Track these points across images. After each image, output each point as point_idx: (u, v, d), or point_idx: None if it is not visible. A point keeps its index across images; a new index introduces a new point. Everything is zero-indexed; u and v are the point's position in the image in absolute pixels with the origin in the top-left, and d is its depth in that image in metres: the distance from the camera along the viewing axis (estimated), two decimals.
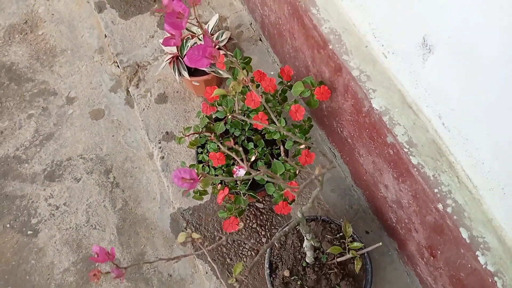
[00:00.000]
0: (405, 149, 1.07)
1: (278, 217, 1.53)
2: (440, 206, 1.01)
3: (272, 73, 1.76)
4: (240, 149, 0.75)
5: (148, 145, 1.67)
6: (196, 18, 0.64)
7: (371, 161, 1.29)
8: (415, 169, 1.05)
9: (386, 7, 1.04)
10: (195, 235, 0.74)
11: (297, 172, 1.29)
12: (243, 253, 1.47)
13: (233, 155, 0.78)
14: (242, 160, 1.27)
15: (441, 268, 1.14)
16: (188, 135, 1.32)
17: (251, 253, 1.47)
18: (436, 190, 1.02)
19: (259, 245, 1.43)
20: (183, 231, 1.51)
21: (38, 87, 1.83)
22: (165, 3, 0.65)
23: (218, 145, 1.26)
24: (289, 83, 1.39)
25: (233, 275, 0.76)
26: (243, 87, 1.04)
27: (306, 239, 1.10)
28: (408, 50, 1.03)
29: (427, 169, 1.04)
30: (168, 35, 0.68)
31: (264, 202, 1.55)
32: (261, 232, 1.50)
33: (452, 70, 0.93)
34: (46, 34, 1.96)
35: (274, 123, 1.40)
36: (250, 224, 1.51)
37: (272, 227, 1.51)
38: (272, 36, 1.68)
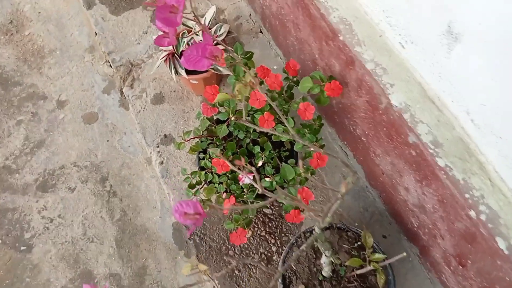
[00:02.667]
0: (430, 150, 0.96)
1: (288, 223, 1.42)
2: (472, 213, 0.91)
3: (275, 67, 1.64)
4: (253, 169, 0.64)
5: (145, 149, 1.56)
6: (193, 12, 0.52)
7: (389, 161, 1.18)
8: (443, 172, 0.94)
9: None
10: (202, 267, 0.63)
11: (308, 177, 1.19)
12: (252, 263, 1.37)
13: (236, 169, 0.67)
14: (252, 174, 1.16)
15: (472, 278, 1.04)
16: (188, 140, 1.21)
17: (261, 264, 1.36)
18: (467, 196, 0.91)
19: (273, 268, 1.32)
20: (186, 242, 1.41)
21: (27, 91, 1.72)
22: (159, 26, 0.53)
23: (220, 154, 1.15)
24: (295, 79, 1.27)
25: None
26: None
27: (325, 255, 0.99)
28: (430, 39, 0.91)
29: (456, 171, 0.93)
30: (161, 32, 0.57)
31: (272, 207, 1.44)
32: (270, 240, 1.40)
33: (482, 61, 0.81)
34: (33, 34, 1.85)
35: (281, 123, 1.29)
36: (259, 232, 1.41)
37: (282, 234, 1.41)
38: (274, 28, 1.56)
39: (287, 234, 1.41)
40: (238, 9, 1.79)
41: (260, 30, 1.72)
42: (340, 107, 1.32)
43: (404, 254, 1.03)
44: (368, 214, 1.41)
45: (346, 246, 1.16)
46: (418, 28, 0.94)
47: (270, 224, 1.42)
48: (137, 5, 1.83)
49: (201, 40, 1.34)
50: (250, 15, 1.75)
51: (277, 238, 1.41)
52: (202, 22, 1.49)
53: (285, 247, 1.41)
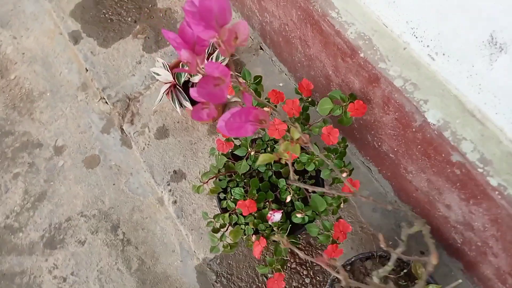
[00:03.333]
0: (479, 169, 0.87)
1: (319, 252, 1.33)
2: None
3: (281, 84, 1.55)
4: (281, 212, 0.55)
5: (155, 189, 1.46)
6: (236, 77, 0.43)
7: (424, 179, 1.09)
8: (496, 192, 0.86)
9: (431, 2, 0.84)
10: None
11: (341, 205, 1.10)
12: None
13: None
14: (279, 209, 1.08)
15: None
16: (207, 182, 1.11)
17: None
18: None
19: None
20: (213, 285, 1.32)
21: (20, 140, 1.61)
22: (185, 58, 0.44)
23: (244, 194, 1.06)
24: (309, 99, 1.19)
25: None
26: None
27: None
28: (467, 50, 0.83)
29: (511, 190, 0.85)
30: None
31: (299, 235, 1.35)
32: (302, 272, 1.31)
33: None
34: (19, 77, 1.73)
35: (303, 150, 1.20)
36: (288, 264, 1.32)
37: (314, 264, 1.32)
38: (277, 44, 1.47)
39: (319, 264, 1.32)
40: None
41: (260, 47, 1.63)
42: (361, 123, 1.23)
43: (460, 281, 0.95)
44: (401, 231, 1.33)
45: (392, 276, 1.08)
46: (451, 39, 0.85)
47: (299, 255, 1.33)
48: (126, 34, 1.73)
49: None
50: None
51: (309, 268, 1.32)
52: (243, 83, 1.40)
53: (318, 277, 1.32)
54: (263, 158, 0.55)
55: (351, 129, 1.32)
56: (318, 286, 1.29)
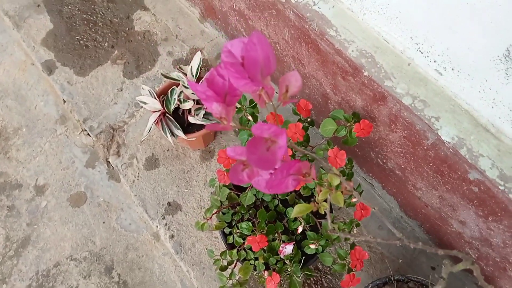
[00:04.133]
0: (500, 187, 0.84)
1: (328, 276, 1.28)
2: None
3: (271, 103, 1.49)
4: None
5: (150, 224, 1.38)
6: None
7: (436, 196, 1.06)
8: None
9: (439, 16, 0.81)
10: None
11: (354, 230, 1.05)
12: None
13: None
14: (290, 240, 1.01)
15: None
16: (211, 218, 1.04)
17: None
18: None
19: None
20: None
21: None
22: (218, 112, 0.38)
23: (252, 226, 0.99)
24: (309, 119, 1.14)
25: None
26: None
27: None
28: (480, 64, 0.80)
29: None
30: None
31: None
32: None
33: None
34: None
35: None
36: None
37: None
38: None
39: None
40: (217, 45, 1.64)
41: None
42: (364, 141, 1.19)
43: None
44: (410, 249, 1.29)
45: None
46: (462, 54, 0.82)
47: (308, 281, 1.27)
48: (104, 61, 1.64)
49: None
50: None
51: None
52: (188, 72, 1.33)
53: None
54: (299, 210, 0.49)
55: (351, 147, 1.27)
56: None
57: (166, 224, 1.34)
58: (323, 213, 0.50)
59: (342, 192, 0.47)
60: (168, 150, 1.46)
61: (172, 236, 1.33)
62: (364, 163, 1.29)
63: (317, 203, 0.48)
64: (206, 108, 1.24)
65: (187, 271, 1.29)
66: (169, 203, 1.38)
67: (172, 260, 1.32)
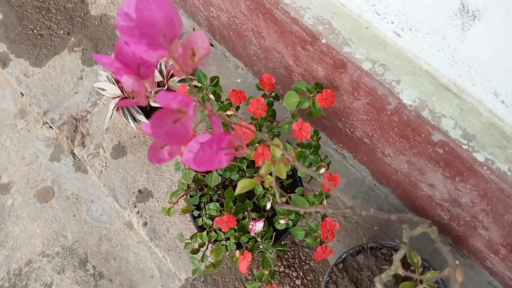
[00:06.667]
0: (463, 146, 0.83)
1: (305, 250, 1.27)
2: None
3: (238, 80, 1.46)
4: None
5: (122, 213, 1.34)
6: (200, 102, 0.34)
7: (404, 160, 1.05)
8: (485, 167, 0.82)
9: None
10: None
11: (324, 202, 1.04)
12: None
13: None
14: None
15: None
16: (177, 202, 1.01)
17: None
18: None
19: None
20: None
21: None
22: (129, 86, 0.34)
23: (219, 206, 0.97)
24: (273, 94, 1.11)
25: None
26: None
27: None
28: (436, 21, 0.78)
29: (500, 163, 0.81)
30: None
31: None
32: (292, 274, 1.24)
33: None
34: None
35: None
36: (276, 269, 1.25)
37: (303, 263, 1.26)
38: (228, 39, 1.37)
39: (307, 262, 1.26)
40: None
41: (211, 44, 1.52)
42: (330, 111, 1.17)
43: (457, 262, 0.92)
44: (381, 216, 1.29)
45: (386, 266, 1.03)
46: (417, 12, 0.80)
47: (286, 256, 1.27)
48: (61, 49, 1.57)
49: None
50: (194, 29, 1.55)
51: (298, 269, 1.25)
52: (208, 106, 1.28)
53: (309, 276, 1.26)
54: (243, 185, 0.47)
55: (319, 118, 1.25)
56: (310, 285, 1.24)
57: (138, 212, 1.31)
58: (268, 186, 0.47)
59: (283, 163, 0.44)
60: (135, 137, 1.42)
61: (145, 224, 1.30)
62: (333, 134, 1.28)
63: (261, 177, 0.46)
64: (166, 89, 1.19)
65: (163, 257, 1.27)
66: (139, 191, 1.34)
67: (147, 248, 1.30)
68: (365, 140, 1.13)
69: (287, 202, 1.06)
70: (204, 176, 1.04)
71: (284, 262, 1.26)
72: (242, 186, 0.47)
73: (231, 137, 0.38)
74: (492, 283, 1.15)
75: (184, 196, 1.04)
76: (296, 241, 1.28)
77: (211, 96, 1.07)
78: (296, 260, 1.26)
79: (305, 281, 1.24)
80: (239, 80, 1.46)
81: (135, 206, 1.32)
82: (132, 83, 0.34)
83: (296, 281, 1.24)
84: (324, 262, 1.26)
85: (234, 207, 0.99)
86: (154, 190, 1.34)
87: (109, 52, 1.56)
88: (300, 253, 1.27)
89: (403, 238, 0.63)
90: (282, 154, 0.45)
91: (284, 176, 0.44)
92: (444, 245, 0.50)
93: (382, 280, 0.70)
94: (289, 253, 1.27)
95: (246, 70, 1.45)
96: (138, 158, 1.38)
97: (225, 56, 1.50)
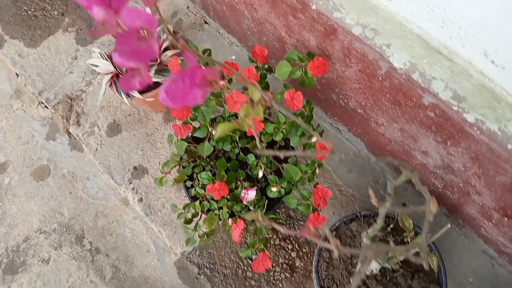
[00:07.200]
0: (454, 108, 0.83)
1: (301, 223, 1.28)
2: None
3: (233, 57, 1.46)
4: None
5: (117, 190, 1.35)
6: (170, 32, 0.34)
7: (397, 128, 1.05)
8: (475, 128, 0.82)
9: None
10: None
11: (316, 171, 1.04)
12: (276, 278, 1.22)
13: None
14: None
15: None
16: (169, 171, 1.02)
17: (285, 275, 1.22)
18: (510, 147, 0.80)
19: (302, 277, 1.17)
20: (196, 278, 1.24)
21: None
22: (100, 16, 0.34)
23: (211, 175, 0.98)
24: (266, 66, 1.11)
25: None
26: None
27: (378, 262, 0.85)
28: None
29: (490, 123, 0.81)
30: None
31: (278, 211, 1.29)
32: (287, 247, 1.25)
33: None
34: None
35: (267, 120, 1.12)
36: (272, 242, 1.26)
37: (298, 236, 1.26)
38: (222, 15, 1.37)
39: (304, 236, 1.26)
40: (172, 3, 1.57)
41: (205, 21, 1.52)
42: (324, 83, 1.17)
43: (448, 226, 0.92)
44: (381, 186, 1.29)
45: (379, 233, 1.03)
46: None
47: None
48: (55, 30, 1.56)
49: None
50: (188, 7, 1.54)
51: (293, 242, 1.26)
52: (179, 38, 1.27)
53: (304, 249, 1.27)
54: (221, 129, 0.47)
55: (314, 91, 1.25)
56: (305, 257, 1.24)
57: (133, 188, 1.32)
58: (245, 130, 0.47)
59: (261, 104, 0.44)
60: (129, 115, 1.42)
61: (140, 200, 1.31)
62: (328, 107, 1.28)
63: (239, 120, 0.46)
64: (158, 63, 1.19)
65: (158, 231, 1.27)
66: (135, 168, 1.35)
67: (143, 223, 1.31)
68: (358, 110, 1.13)
69: (279, 172, 1.07)
70: (196, 147, 1.04)
71: (280, 236, 1.27)
72: (221, 129, 0.47)
73: (204, 71, 0.38)
74: (487, 252, 1.16)
75: (177, 167, 1.05)
76: (292, 214, 1.29)
77: None
78: (293, 234, 1.27)
79: (301, 253, 1.25)
80: (233, 57, 1.46)
81: (131, 183, 1.33)
82: (103, 14, 0.34)
83: (292, 254, 1.25)
84: None
85: (226, 176, 0.99)
86: (149, 166, 1.34)
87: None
88: (295, 226, 1.28)
89: (388, 189, 0.64)
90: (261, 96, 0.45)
91: (261, 117, 0.44)
92: (424, 186, 0.50)
93: (369, 235, 0.70)
94: (284, 226, 1.27)
95: (240, 47, 1.45)
96: (133, 135, 1.39)
97: (219, 33, 1.49)
